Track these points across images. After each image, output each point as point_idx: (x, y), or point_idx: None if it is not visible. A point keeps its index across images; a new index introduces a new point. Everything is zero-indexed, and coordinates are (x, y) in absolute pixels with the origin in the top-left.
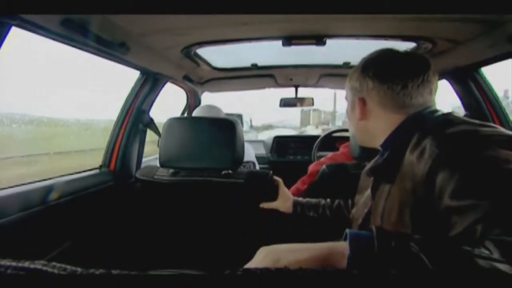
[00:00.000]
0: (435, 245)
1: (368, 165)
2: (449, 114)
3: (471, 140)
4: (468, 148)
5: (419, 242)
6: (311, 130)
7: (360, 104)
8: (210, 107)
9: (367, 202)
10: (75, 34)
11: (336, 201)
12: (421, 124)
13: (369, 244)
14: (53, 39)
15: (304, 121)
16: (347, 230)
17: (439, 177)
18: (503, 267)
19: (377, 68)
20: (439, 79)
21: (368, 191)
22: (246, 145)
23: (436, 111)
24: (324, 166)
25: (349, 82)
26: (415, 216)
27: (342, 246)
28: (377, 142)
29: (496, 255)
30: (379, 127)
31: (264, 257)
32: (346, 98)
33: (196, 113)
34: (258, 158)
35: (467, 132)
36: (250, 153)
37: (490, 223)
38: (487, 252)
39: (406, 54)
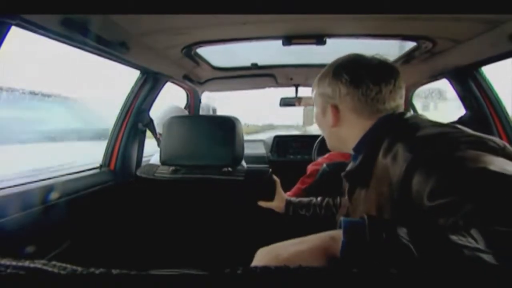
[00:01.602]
0: (423, 235)
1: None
2: (415, 116)
3: (441, 143)
4: (439, 151)
5: (408, 232)
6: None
7: (333, 111)
8: (178, 110)
9: (346, 205)
10: (75, 33)
11: (325, 199)
12: (391, 127)
13: (362, 233)
14: (53, 38)
15: (307, 120)
16: (342, 218)
17: (415, 180)
18: (487, 257)
19: (351, 73)
20: (439, 78)
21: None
22: None
23: (404, 113)
24: (324, 165)
25: (318, 88)
26: (394, 219)
27: (338, 235)
28: (348, 147)
29: (481, 244)
30: (351, 133)
31: (264, 256)
32: (314, 104)
33: (165, 114)
34: (258, 157)
35: (436, 135)
36: None
37: (471, 217)
38: (473, 241)
39: (376, 60)
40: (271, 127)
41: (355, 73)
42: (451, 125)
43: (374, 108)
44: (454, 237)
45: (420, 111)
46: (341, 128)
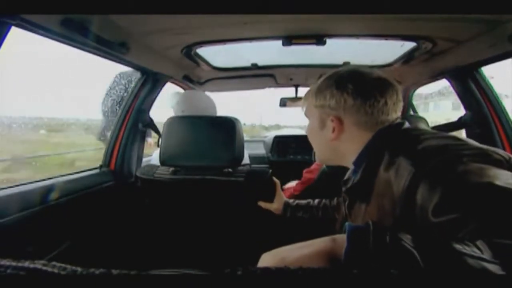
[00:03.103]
0: (428, 243)
1: (344, 183)
2: (414, 127)
3: (444, 157)
4: (442, 165)
5: (413, 239)
6: None
7: (336, 123)
8: (198, 96)
9: (345, 215)
10: (75, 34)
11: (322, 201)
12: (391, 140)
13: (365, 239)
14: (53, 39)
15: None
16: (346, 224)
17: (418, 195)
18: (492, 267)
19: (357, 84)
20: (439, 78)
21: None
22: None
23: (402, 123)
24: (324, 166)
25: (316, 99)
26: None
27: (342, 239)
28: (346, 161)
29: (487, 255)
30: (351, 147)
31: (268, 260)
32: (308, 116)
33: (182, 102)
34: (258, 158)
35: (438, 148)
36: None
37: (477, 233)
38: (478, 251)
39: (375, 73)
40: (277, 127)
41: (362, 84)
42: (452, 136)
43: (377, 120)
44: (458, 246)
45: (450, 111)
46: (341, 142)
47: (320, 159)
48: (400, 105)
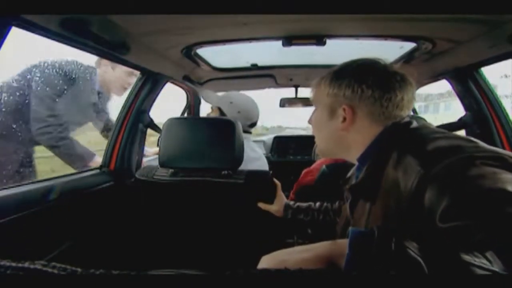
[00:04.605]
0: (435, 252)
1: (347, 179)
2: (423, 126)
3: (454, 158)
4: (452, 167)
5: (420, 247)
6: None
7: (348, 113)
8: (247, 97)
9: (347, 216)
10: (75, 34)
11: (324, 204)
12: (399, 138)
13: (368, 246)
14: (53, 39)
15: None
16: (350, 228)
17: (427, 197)
18: None
19: (378, 76)
20: (439, 79)
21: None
22: (259, 152)
23: (411, 122)
24: (323, 166)
25: (330, 88)
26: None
27: (344, 245)
28: (350, 154)
29: (496, 266)
30: (358, 139)
31: (269, 262)
32: (316, 104)
33: (237, 102)
34: None
35: (449, 149)
36: (263, 164)
37: (486, 242)
38: (487, 263)
39: (392, 67)
40: (280, 129)
41: (383, 78)
42: (462, 136)
43: (391, 114)
44: (467, 257)
45: (463, 111)
46: (349, 133)
47: (322, 150)
48: (413, 102)
